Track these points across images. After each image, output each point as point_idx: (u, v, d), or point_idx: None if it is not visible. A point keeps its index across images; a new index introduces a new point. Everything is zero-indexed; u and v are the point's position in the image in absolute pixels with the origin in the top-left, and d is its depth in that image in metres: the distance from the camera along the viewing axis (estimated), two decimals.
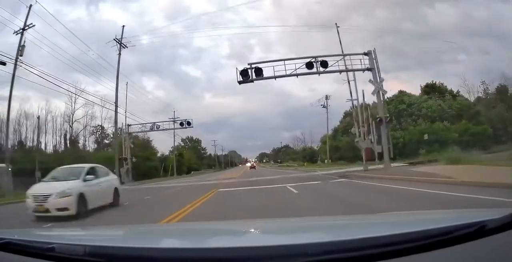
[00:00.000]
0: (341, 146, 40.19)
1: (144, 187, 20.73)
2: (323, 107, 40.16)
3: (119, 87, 26.75)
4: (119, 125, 28.41)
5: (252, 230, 1.61)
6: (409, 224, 1.31)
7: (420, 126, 33.16)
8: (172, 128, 31.71)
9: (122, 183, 24.00)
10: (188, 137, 73.44)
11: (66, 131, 37.29)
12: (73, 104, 36.76)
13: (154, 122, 30.46)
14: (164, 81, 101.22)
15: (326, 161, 38.86)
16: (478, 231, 0.97)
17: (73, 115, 37.49)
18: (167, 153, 50.16)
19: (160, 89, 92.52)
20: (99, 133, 43.42)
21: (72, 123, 36.92)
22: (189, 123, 30.50)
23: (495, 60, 48.23)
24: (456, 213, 1.69)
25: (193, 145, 76.74)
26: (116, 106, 26.86)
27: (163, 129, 31.24)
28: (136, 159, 29.80)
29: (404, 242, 0.93)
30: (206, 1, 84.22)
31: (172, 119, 31.13)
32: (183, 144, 69.30)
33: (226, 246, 1.04)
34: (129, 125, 29.73)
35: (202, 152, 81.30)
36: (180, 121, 30.64)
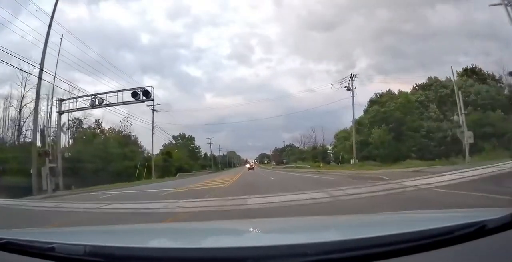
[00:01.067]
0: (371, 141, 39.23)
1: (41, 206, 12.95)
2: (348, 89, 38.39)
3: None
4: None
5: (252, 230, 1.88)
6: (409, 224, 1.55)
7: (470, 115, 30.16)
8: (121, 103, 23.73)
9: (44, 191, 18.89)
10: (180, 134, 74.31)
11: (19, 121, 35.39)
12: (24, 84, 32.46)
13: (95, 94, 23.84)
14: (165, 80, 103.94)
15: (352, 161, 36.07)
16: (478, 231, 1.18)
17: (23, 98, 33.38)
18: (157, 152, 49.81)
19: (160, 89, 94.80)
20: (76, 127, 43.28)
21: (20, 109, 33.49)
22: (147, 93, 23.03)
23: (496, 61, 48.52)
24: (456, 212, 1.95)
25: (186, 142, 77.34)
26: (41, 69, 21.02)
27: (107, 105, 24.24)
28: (70, 154, 24.84)
29: (404, 242, 1.13)
30: None
31: (123, 89, 23.81)
32: (174, 142, 70.00)
33: (226, 246, 1.28)
34: (62, 100, 23.61)
35: (196, 150, 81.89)
36: (133, 90, 23.22)
